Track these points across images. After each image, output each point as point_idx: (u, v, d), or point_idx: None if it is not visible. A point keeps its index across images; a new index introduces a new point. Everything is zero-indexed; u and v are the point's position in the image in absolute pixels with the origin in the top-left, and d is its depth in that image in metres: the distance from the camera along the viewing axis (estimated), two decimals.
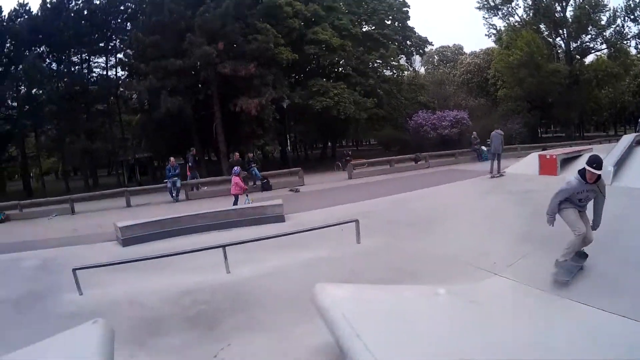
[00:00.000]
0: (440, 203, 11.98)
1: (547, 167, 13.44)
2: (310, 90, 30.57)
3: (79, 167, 35.77)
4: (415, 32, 39.93)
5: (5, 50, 30.60)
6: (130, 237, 10.07)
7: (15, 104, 31.45)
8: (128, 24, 32.79)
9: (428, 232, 8.63)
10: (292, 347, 4.39)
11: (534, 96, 38.26)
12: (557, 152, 14.65)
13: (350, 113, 30.51)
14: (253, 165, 21.61)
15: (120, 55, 33.25)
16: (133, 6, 32.60)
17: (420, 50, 42.91)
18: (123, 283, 7.08)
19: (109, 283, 7.12)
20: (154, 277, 7.25)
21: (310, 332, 4.60)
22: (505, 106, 38.95)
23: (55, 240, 11.97)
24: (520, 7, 41.02)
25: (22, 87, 31.07)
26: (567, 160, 13.45)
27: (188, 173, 21.53)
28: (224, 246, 7.34)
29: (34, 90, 31.49)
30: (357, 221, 8.33)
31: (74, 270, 6.84)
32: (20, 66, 29.88)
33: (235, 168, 15.72)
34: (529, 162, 14.68)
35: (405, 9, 38.38)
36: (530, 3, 39.80)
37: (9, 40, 30.65)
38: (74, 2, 31.90)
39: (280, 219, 11.23)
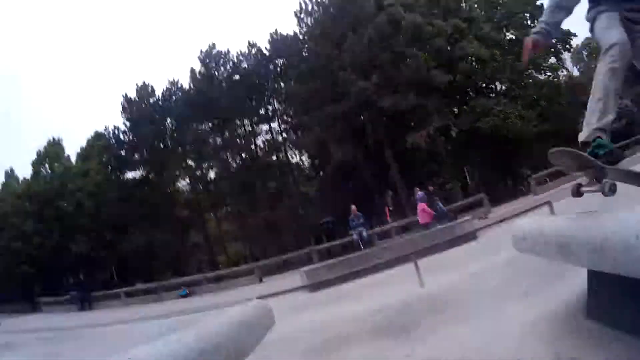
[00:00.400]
0: None
1: None
2: (474, 112, 27.94)
3: (263, 246, 35.27)
4: None
5: (166, 129, 31.87)
6: (317, 282, 10.07)
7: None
8: (281, 83, 32.60)
9: None
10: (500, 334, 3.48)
11: None
12: None
13: (518, 128, 27.71)
14: (436, 199, 19.17)
15: (279, 116, 33.48)
16: (281, 62, 32.34)
17: (567, 45, 38.30)
18: (310, 315, 6.93)
19: (295, 318, 6.79)
20: (343, 307, 6.94)
21: (518, 316, 3.75)
22: None
23: (241, 300, 11.49)
24: None
25: (190, 163, 31.69)
26: None
27: (388, 218, 20.20)
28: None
29: (204, 165, 32.18)
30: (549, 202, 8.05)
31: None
32: (187, 146, 30.69)
33: (419, 193, 15.04)
34: None
35: (538, 2, 33.48)
36: None
37: (168, 119, 31.88)
38: (222, 68, 32.69)
39: (471, 236, 10.75)
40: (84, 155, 30.56)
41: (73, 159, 31.40)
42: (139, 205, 28.29)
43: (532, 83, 32.56)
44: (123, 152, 30.98)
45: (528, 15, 33.61)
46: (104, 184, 28.53)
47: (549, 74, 34.70)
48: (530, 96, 30.63)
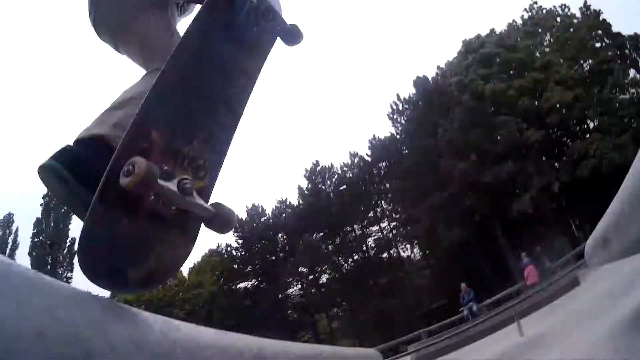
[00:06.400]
0: None
1: None
2: (572, 160, 28.57)
3: (374, 340, 35.41)
4: None
5: (277, 243, 35.22)
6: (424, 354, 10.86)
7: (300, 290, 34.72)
8: (386, 184, 35.52)
9: None
10: None
11: None
12: None
13: (616, 160, 25.84)
14: (544, 258, 20.37)
15: (387, 215, 35.81)
16: (383, 164, 35.34)
17: None
18: None
19: None
20: None
21: None
22: None
23: None
24: None
25: (304, 269, 34.22)
26: None
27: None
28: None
29: (317, 269, 34.53)
30: None
31: None
32: (299, 256, 33.19)
33: (525, 259, 16.80)
34: None
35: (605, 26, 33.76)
36: None
37: (280, 234, 35.50)
38: (328, 182, 36.53)
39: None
40: (197, 269, 34.49)
41: (185, 273, 35.76)
42: (249, 310, 30.27)
43: (618, 106, 31.33)
44: (236, 266, 34.19)
45: (597, 39, 34.08)
46: (218, 293, 31.25)
47: (632, 90, 33.20)
48: (621, 119, 29.86)
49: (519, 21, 36.55)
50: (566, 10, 35.90)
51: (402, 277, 34.05)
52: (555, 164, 30.83)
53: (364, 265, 33.43)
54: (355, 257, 34.56)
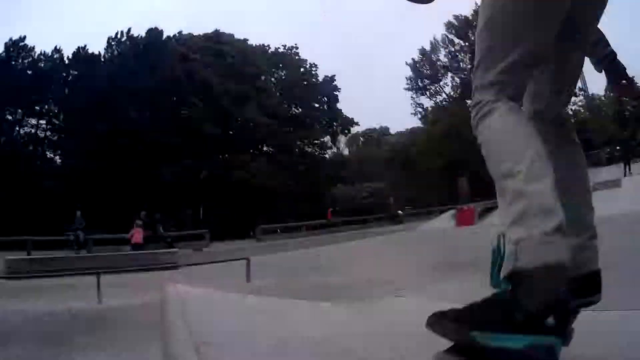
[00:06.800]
0: (350, 254, 12.96)
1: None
2: (231, 164, 35.42)
3: None
4: (342, 114, 44.43)
5: None
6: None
7: None
8: (66, 89, 35.94)
9: (329, 272, 9.25)
10: None
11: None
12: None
13: (265, 184, 34.15)
14: (159, 225, 22.88)
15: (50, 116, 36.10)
16: (76, 73, 35.79)
17: (345, 130, 46.83)
18: None
19: None
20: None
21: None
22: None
23: None
24: (448, 85, 44.42)
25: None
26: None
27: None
28: (98, 273, 8.12)
29: None
30: (248, 259, 9.47)
31: None
32: None
33: (137, 221, 18.40)
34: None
35: (335, 92, 43.67)
36: (458, 82, 42.72)
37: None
38: (20, 60, 35.22)
39: (174, 267, 11.25)
40: None
41: None
42: None
43: (300, 153, 40.97)
44: None
45: (319, 98, 42.99)
46: None
47: (317, 149, 43.55)
48: (292, 161, 38.41)
49: None
50: None
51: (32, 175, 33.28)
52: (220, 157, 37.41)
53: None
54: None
